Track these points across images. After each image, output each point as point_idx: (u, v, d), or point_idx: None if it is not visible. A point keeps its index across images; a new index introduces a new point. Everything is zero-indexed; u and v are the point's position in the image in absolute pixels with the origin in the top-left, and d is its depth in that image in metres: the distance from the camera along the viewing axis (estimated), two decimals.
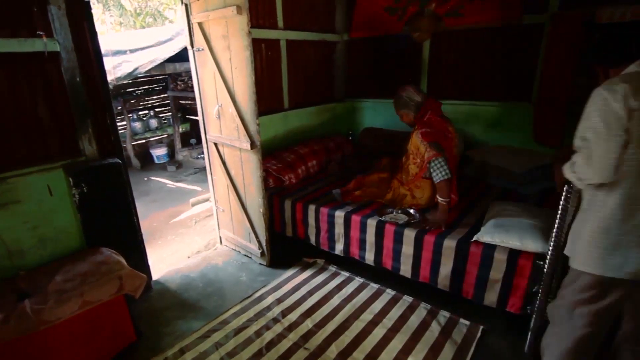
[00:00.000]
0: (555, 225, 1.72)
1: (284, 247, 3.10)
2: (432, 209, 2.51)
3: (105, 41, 4.85)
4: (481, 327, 2.18)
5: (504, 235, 2.04)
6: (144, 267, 2.63)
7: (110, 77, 4.41)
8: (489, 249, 2.09)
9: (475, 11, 3.29)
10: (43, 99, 2.10)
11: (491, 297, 2.13)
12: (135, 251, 2.52)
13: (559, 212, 1.69)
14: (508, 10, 3.12)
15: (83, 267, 2.00)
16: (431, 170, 2.34)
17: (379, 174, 2.83)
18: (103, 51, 2.37)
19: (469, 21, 3.35)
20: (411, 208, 2.57)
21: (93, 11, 2.26)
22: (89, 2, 2.20)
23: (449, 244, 2.20)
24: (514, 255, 2.01)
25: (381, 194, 2.74)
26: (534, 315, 1.90)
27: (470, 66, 3.52)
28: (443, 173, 2.29)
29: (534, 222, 2.09)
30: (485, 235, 2.11)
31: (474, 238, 2.14)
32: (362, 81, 4.34)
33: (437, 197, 2.38)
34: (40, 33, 2.00)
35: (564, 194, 1.66)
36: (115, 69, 4.61)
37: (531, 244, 1.96)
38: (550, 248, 1.76)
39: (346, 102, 4.49)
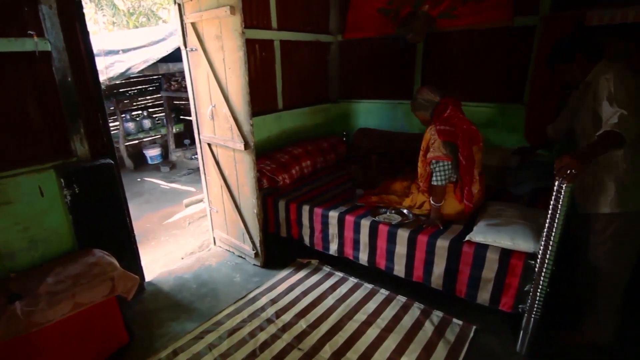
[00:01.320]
0: (546, 225, 1.73)
1: (278, 247, 3.10)
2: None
3: (98, 41, 4.82)
4: (474, 326, 2.19)
5: (496, 235, 2.06)
6: (137, 269, 2.62)
7: (102, 77, 4.38)
8: (481, 248, 2.10)
9: (468, 13, 3.31)
10: (34, 99, 2.08)
11: (484, 296, 2.15)
12: (127, 252, 2.51)
13: (550, 211, 1.71)
14: (500, 12, 3.15)
15: (75, 269, 1.98)
16: (432, 170, 2.31)
17: (402, 181, 2.77)
18: (95, 51, 2.35)
19: (462, 23, 3.37)
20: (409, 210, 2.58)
21: (85, 11, 2.24)
22: (80, 2, 2.18)
23: (442, 244, 2.22)
24: (505, 254, 2.03)
25: (400, 202, 2.66)
26: (526, 314, 1.92)
27: (464, 67, 3.54)
28: (440, 178, 2.27)
29: (526, 222, 2.11)
30: (478, 235, 2.12)
31: (467, 238, 2.16)
32: (356, 82, 4.34)
33: (431, 198, 2.39)
34: (31, 32, 1.99)
35: (554, 194, 1.68)
36: (108, 69, 4.58)
37: (522, 244, 1.98)
38: (541, 247, 1.78)
39: (340, 102, 4.50)
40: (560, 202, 1.67)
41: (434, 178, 2.31)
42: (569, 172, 1.58)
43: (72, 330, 1.90)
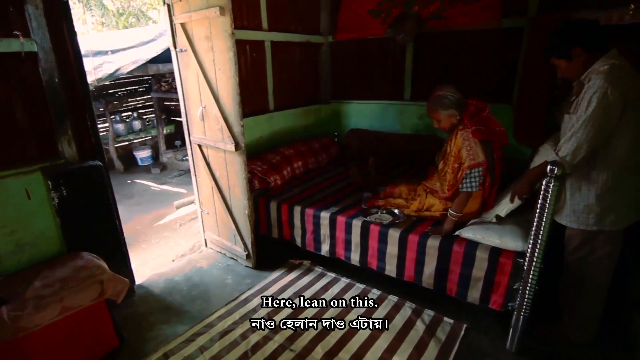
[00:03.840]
0: (535, 224, 1.76)
1: (270, 249, 3.09)
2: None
3: (86, 41, 4.77)
4: (465, 325, 2.21)
5: (485, 232, 2.09)
6: (127, 271, 2.59)
7: (90, 78, 4.32)
8: (471, 247, 2.12)
9: (457, 14, 3.35)
10: (20, 101, 2.04)
11: (474, 295, 2.17)
12: (117, 255, 2.48)
13: (538, 210, 1.73)
14: (488, 14, 3.18)
15: (63, 272, 1.95)
16: (464, 177, 2.14)
17: (407, 185, 2.68)
18: (83, 52, 2.32)
19: (451, 24, 3.40)
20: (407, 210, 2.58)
21: (73, 11, 2.22)
22: (67, 2, 2.15)
23: (433, 243, 2.23)
24: (495, 253, 2.06)
25: (407, 206, 2.58)
26: (516, 312, 1.94)
27: (453, 68, 3.57)
28: (473, 184, 2.12)
29: (515, 220, 2.13)
30: (467, 231, 2.16)
31: (456, 233, 2.19)
32: (347, 83, 4.36)
33: (450, 208, 2.24)
34: (17, 33, 1.96)
35: (542, 193, 1.70)
36: (96, 69, 4.53)
37: (510, 242, 2.01)
38: (530, 246, 1.80)
39: (331, 103, 4.50)
40: (548, 201, 1.69)
41: (466, 185, 2.14)
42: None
43: (61, 335, 1.87)
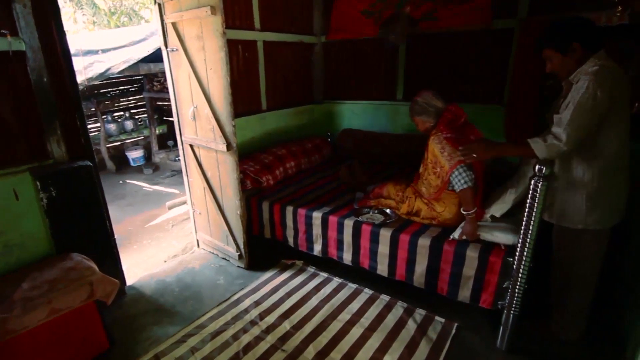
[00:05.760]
0: (524, 222, 1.77)
1: (263, 249, 3.09)
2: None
3: (76, 41, 4.73)
4: (456, 324, 2.23)
5: (479, 231, 2.11)
6: (117, 273, 2.57)
7: (81, 78, 4.29)
8: (462, 246, 2.14)
9: (448, 15, 3.37)
10: (8, 100, 2.02)
11: (464, 293, 2.18)
12: (107, 256, 2.46)
13: (526, 209, 1.75)
14: (479, 15, 3.21)
15: (51, 274, 1.93)
16: (452, 180, 2.11)
17: (394, 185, 2.67)
18: (73, 51, 2.31)
19: (442, 25, 3.42)
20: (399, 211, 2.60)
21: (64, 10, 2.20)
22: (56, 0, 2.13)
23: (423, 243, 2.25)
24: (484, 252, 2.07)
25: (397, 208, 2.58)
26: (505, 310, 1.96)
27: (445, 69, 3.59)
28: (463, 180, 2.05)
29: (506, 220, 2.16)
30: (461, 233, 2.17)
31: (451, 237, 2.21)
32: (340, 83, 4.37)
33: (462, 209, 2.15)
34: (5, 32, 1.93)
35: (530, 192, 1.72)
36: (87, 69, 4.49)
37: (503, 238, 2.05)
38: (519, 244, 1.82)
39: (324, 103, 4.51)
40: (537, 200, 1.71)
41: (459, 184, 2.07)
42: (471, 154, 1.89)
43: (50, 337, 1.86)
